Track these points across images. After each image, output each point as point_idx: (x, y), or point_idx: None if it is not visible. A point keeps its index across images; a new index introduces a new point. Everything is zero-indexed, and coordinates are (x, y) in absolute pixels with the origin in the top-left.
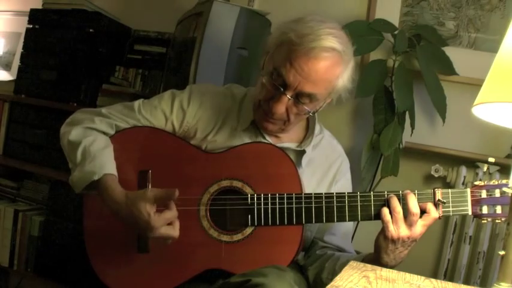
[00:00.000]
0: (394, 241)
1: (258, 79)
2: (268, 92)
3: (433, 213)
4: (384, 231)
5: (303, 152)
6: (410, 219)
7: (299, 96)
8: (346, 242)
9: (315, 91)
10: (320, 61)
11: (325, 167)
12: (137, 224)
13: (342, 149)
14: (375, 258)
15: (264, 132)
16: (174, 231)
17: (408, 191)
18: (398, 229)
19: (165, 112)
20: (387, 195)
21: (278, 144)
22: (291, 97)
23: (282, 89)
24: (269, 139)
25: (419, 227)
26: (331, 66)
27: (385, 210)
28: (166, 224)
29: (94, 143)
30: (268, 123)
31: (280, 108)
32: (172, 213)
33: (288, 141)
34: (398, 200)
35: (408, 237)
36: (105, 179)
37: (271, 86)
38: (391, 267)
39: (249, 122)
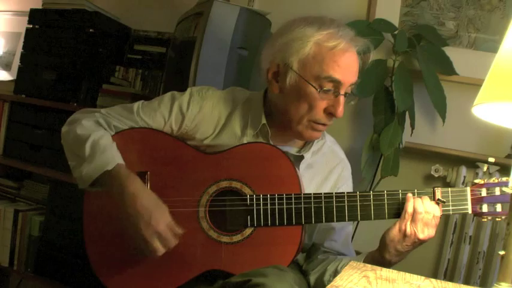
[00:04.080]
0: (405, 235)
1: (278, 99)
2: (321, 103)
3: (436, 212)
4: (398, 225)
5: (302, 157)
6: (426, 217)
7: (347, 89)
8: (347, 248)
9: (357, 77)
10: (355, 50)
11: (325, 172)
12: (140, 216)
13: (344, 155)
14: (378, 256)
15: (269, 137)
16: (161, 246)
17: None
18: (413, 227)
19: (164, 115)
20: (401, 194)
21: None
22: (345, 94)
23: (338, 91)
24: (272, 142)
25: (431, 228)
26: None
27: (410, 207)
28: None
29: (102, 138)
30: (318, 132)
31: (343, 109)
32: (172, 242)
33: (296, 146)
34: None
35: (419, 239)
36: (118, 168)
37: (325, 94)
38: (394, 264)
39: (258, 127)
